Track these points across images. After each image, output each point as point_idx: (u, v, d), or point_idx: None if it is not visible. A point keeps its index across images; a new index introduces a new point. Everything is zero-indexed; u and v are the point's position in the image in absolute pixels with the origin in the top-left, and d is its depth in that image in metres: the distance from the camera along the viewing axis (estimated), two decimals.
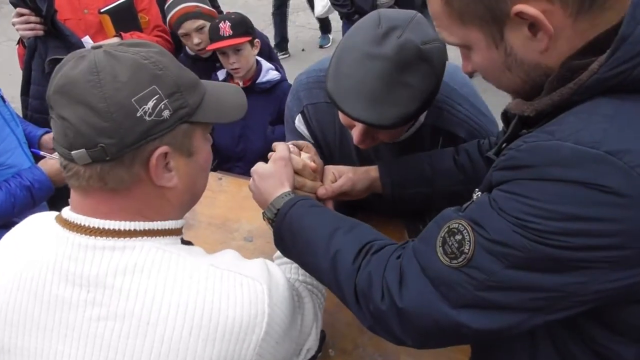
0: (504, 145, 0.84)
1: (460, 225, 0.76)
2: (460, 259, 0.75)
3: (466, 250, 0.74)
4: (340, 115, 1.16)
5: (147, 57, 0.77)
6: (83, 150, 0.74)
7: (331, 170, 1.25)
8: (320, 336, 1.24)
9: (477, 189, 0.84)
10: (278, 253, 1.15)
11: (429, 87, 1.07)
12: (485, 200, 0.75)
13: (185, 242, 0.89)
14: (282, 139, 1.58)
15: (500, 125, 1.37)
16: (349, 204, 1.62)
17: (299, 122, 1.42)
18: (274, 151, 1.17)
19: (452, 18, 0.77)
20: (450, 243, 0.76)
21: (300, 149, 1.24)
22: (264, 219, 1.11)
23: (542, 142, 0.69)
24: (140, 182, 0.79)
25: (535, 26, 0.70)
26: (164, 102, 0.76)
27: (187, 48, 2.59)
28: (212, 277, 0.79)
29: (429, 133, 1.27)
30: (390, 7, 3.35)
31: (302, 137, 1.43)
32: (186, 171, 0.85)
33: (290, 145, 1.21)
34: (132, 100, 0.74)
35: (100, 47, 0.77)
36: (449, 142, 1.27)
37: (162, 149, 0.78)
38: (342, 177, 1.22)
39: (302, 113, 1.40)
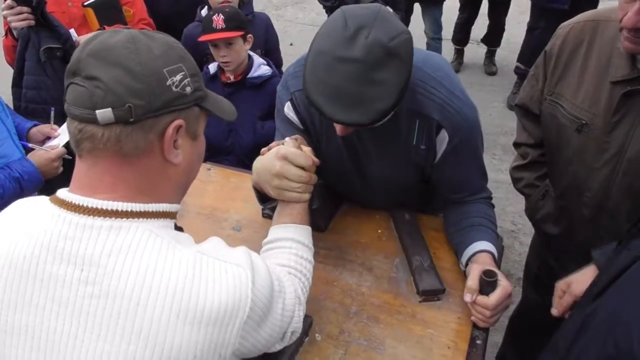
0: None
1: None
2: None
3: None
4: None
5: (175, 42, 0.88)
6: (109, 109, 0.78)
7: None
8: (308, 322, 1.27)
9: None
10: (268, 238, 1.18)
11: (401, 80, 1.11)
12: None
13: (178, 228, 0.92)
14: (272, 133, 1.61)
15: (481, 111, 1.40)
16: (335, 195, 1.66)
17: (288, 109, 1.46)
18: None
19: None
20: None
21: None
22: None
23: None
24: (151, 152, 0.84)
25: None
26: (187, 79, 0.85)
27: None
28: (199, 264, 0.82)
29: (405, 117, 1.32)
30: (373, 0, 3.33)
31: (292, 124, 1.47)
32: (189, 152, 0.91)
33: (289, 139, 1.24)
34: (164, 70, 0.82)
35: (129, 28, 0.87)
36: (424, 124, 1.32)
37: (179, 121, 0.85)
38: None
39: (291, 100, 1.45)
